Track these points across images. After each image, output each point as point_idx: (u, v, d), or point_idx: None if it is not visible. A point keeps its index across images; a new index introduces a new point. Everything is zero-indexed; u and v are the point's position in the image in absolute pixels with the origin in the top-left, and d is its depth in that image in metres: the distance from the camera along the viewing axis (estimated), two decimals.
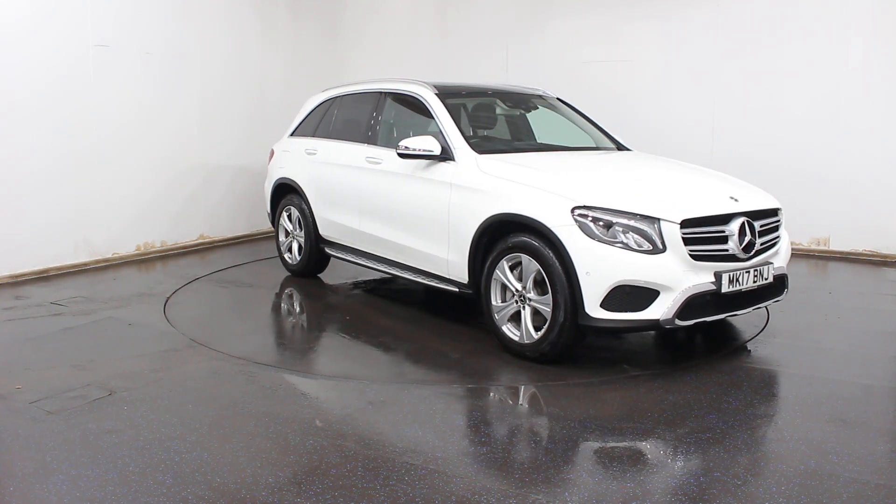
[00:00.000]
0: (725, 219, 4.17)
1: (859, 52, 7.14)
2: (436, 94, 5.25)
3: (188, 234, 7.88)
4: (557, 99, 6.00)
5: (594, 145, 5.65)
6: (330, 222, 6.06)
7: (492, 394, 3.92)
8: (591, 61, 8.47)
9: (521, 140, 5.83)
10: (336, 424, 3.46)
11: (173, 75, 7.56)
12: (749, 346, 4.64)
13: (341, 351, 4.76)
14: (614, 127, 6.19)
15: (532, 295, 4.23)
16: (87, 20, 6.65)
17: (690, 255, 3.98)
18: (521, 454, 3.19)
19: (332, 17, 9.84)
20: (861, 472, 2.98)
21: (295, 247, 6.55)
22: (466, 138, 4.93)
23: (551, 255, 4.07)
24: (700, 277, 3.99)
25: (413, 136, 5.05)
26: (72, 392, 3.80)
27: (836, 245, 7.42)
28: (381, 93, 5.83)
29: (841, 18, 7.19)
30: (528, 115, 5.97)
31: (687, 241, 3.98)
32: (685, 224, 3.98)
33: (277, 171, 6.67)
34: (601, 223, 3.99)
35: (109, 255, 7.04)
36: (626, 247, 3.95)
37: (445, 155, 4.85)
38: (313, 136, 6.41)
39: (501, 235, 4.41)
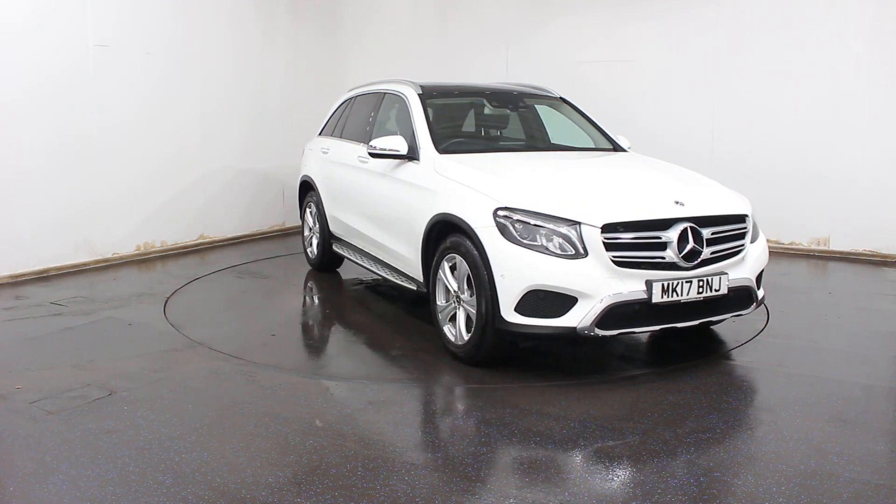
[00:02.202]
0: (664, 224, 3.91)
1: (859, 52, 7.13)
2: (418, 94, 5.30)
3: (188, 234, 7.88)
4: (560, 98, 5.95)
5: (584, 146, 5.55)
6: (335, 219, 6.27)
7: (491, 394, 3.91)
8: (592, 61, 8.47)
9: (506, 140, 5.77)
10: (336, 424, 3.46)
11: (173, 75, 7.55)
12: (749, 346, 4.64)
13: (291, 343, 4.83)
14: (614, 127, 6.17)
15: (465, 296, 4.20)
16: (86, 20, 6.64)
17: (613, 262, 3.79)
18: (520, 454, 3.19)
19: (332, 17, 9.84)
20: (861, 472, 2.98)
21: (315, 242, 6.76)
22: (435, 138, 4.93)
23: (477, 256, 4.03)
24: (627, 286, 3.80)
25: (398, 135, 5.12)
26: (72, 392, 3.80)
27: (836, 245, 7.42)
28: (380, 93, 5.95)
29: (841, 18, 7.19)
30: (521, 115, 5.91)
31: (609, 247, 3.80)
32: (607, 228, 3.80)
33: (302, 170, 6.97)
34: (522, 225, 3.90)
35: (109, 255, 7.04)
36: (545, 250, 3.82)
37: (412, 155, 4.90)
38: (331, 136, 6.62)
39: (444, 236, 4.40)
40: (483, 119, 5.91)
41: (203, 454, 3.12)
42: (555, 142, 5.72)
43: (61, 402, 3.66)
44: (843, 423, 3.45)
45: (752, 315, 5.23)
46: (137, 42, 7.13)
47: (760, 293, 4.41)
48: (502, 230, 3.93)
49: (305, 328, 5.34)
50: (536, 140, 5.78)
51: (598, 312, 3.76)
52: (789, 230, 7.65)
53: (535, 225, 3.89)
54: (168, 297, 5.77)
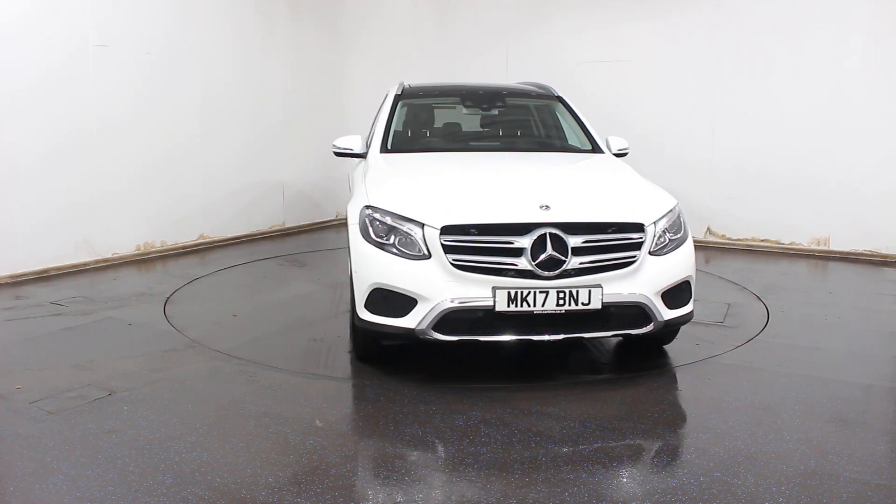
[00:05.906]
0: (522, 229, 3.71)
1: (859, 52, 7.14)
2: (396, 94, 5.39)
3: (188, 234, 7.88)
4: (557, 98, 5.89)
5: (566, 147, 5.42)
6: None
7: (491, 394, 3.91)
8: (591, 61, 8.47)
9: (477, 140, 5.68)
10: (336, 424, 3.46)
11: (173, 75, 7.55)
12: (749, 346, 4.64)
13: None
14: (613, 128, 6.16)
15: None
16: (86, 19, 6.64)
17: (454, 265, 3.69)
18: (520, 454, 3.19)
19: (332, 17, 9.84)
20: (861, 472, 2.98)
21: None
22: (388, 137, 5.02)
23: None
24: (470, 291, 3.67)
25: (357, 135, 5.25)
26: (72, 392, 3.80)
27: (836, 245, 7.43)
28: (386, 93, 6.00)
29: (841, 18, 7.20)
30: (503, 114, 5.83)
31: (449, 249, 3.70)
32: (446, 231, 3.71)
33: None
34: (381, 225, 3.94)
35: (109, 255, 7.04)
36: (394, 250, 3.83)
37: (364, 153, 5.03)
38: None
39: None
40: (461, 119, 5.88)
41: (203, 454, 3.12)
42: (539, 142, 5.64)
43: (61, 402, 3.66)
44: (843, 423, 3.46)
45: (751, 315, 5.25)
46: (137, 42, 7.13)
47: (677, 312, 3.97)
48: (363, 228, 4.00)
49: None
50: (509, 140, 5.64)
51: (434, 316, 3.69)
52: (789, 230, 7.66)
53: (391, 225, 3.91)
54: (168, 297, 5.77)
